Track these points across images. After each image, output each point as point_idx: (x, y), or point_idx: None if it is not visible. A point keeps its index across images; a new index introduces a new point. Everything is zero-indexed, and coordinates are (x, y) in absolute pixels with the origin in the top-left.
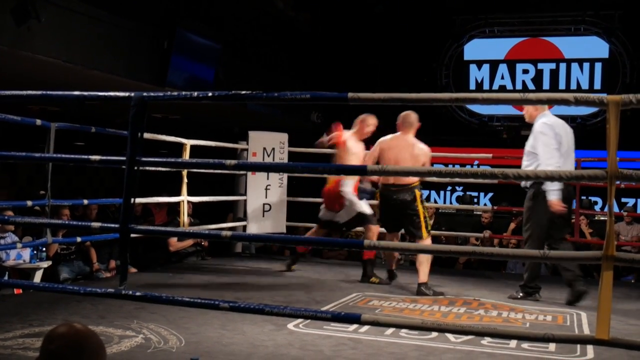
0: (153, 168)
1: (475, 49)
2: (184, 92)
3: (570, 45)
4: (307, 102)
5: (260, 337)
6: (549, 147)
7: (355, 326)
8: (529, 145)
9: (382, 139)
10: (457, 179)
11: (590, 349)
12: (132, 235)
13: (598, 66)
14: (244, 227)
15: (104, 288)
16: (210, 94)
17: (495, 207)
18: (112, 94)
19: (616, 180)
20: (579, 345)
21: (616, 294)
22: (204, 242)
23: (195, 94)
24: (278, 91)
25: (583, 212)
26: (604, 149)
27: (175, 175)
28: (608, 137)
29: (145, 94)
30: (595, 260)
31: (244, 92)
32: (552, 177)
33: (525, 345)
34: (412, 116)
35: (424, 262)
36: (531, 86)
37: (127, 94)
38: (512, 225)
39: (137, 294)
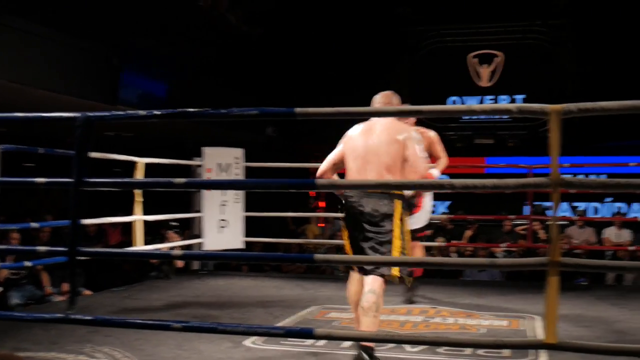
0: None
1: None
2: (130, 112)
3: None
4: (256, 119)
5: (217, 355)
6: None
7: (313, 340)
8: None
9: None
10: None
11: (543, 352)
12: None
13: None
14: (200, 244)
15: (52, 313)
16: (157, 113)
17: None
18: (56, 114)
19: (559, 187)
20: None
21: (569, 297)
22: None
23: (142, 113)
24: (232, 106)
25: (536, 217)
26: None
27: (131, 194)
28: (550, 145)
29: (91, 114)
30: (541, 266)
31: (191, 109)
32: (497, 187)
33: (480, 352)
34: (389, 96)
35: (372, 315)
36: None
37: (72, 114)
38: (468, 233)
39: (87, 317)
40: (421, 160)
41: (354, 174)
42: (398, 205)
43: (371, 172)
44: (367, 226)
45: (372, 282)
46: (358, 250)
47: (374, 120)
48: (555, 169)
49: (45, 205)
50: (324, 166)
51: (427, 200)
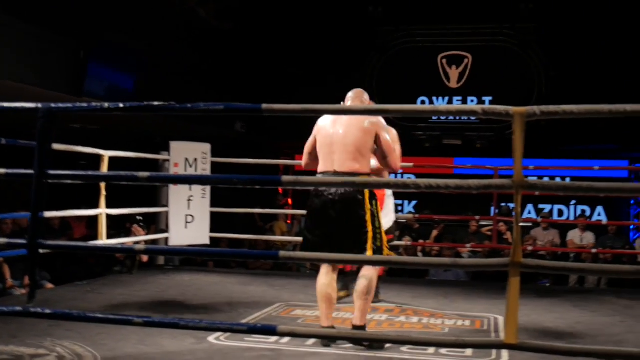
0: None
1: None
2: (94, 104)
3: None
4: (222, 114)
5: (180, 351)
6: None
7: (277, 337)
8: None
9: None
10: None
11: (505, 352)
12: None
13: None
14: (166, 239)
15: (12, 306)
16: (121, 106)
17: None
18: (18, 105)
19: (521, 189)
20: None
21: (532, 299)
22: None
23: (106, 105)
24: (201, 101)
25: (501, 218)
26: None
27: (97, 188)
28: (514, 147)
29: (53, 105)
30: (502, 267)
31: (155, 103)
32: (460, 187)
33: (443, 351)
34: (360, 93)
35: (364, 299)
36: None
37: (34, 105)
38: (435, 233)
39: (47, 311)
40: (392, 148)
41: (322, 163)
42: (366, 191)
43: (338, 161)
44: (336, 213)
45: (365, 268)
46: (327, 240)
47: None
48: (518, 171)
49: (9, 198)
50: (304, 159)
51: (389, 201)
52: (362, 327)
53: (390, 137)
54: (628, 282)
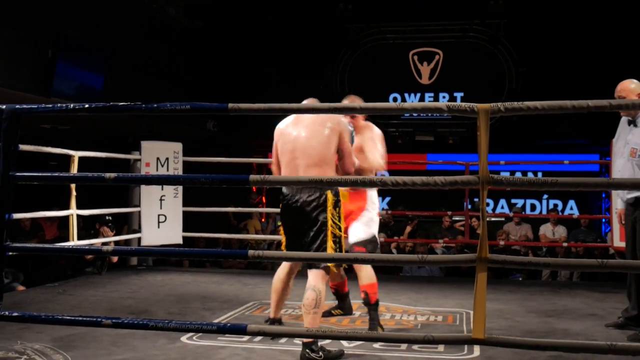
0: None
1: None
2: (59, 105)
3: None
4: (188, 114)
5: (152, 352)
6: None
7: (249, 335)
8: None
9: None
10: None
11: (477, 347)
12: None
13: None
14: (139, 239)
15: None
16: (86, 106)
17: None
18: None
19: (487, 185)
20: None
21: (504, 293)
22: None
23: (71, 106)
24: (171, 100)
25: (473, 214)
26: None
27: (68, 189)
28: (479, 143)
29: (18, 106)
30: (469, 262)
31: (122, 104)
32: (427, 184)
33: (415, 346)
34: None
35: (312, 312)
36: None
37: None
38: (408, 229)
39: (15, 314)
40: (351, 153)
41: (284, 168)
42: (329, 196)
43: (300, 167)
44: (301, 219)
45: (313, 279)
46: (296, 244)
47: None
48: (484, 167)
49: None
50: (274, 164)
51: (368, 214)
52: (311, 345)
53: (375, 136)
54: (600, 275)
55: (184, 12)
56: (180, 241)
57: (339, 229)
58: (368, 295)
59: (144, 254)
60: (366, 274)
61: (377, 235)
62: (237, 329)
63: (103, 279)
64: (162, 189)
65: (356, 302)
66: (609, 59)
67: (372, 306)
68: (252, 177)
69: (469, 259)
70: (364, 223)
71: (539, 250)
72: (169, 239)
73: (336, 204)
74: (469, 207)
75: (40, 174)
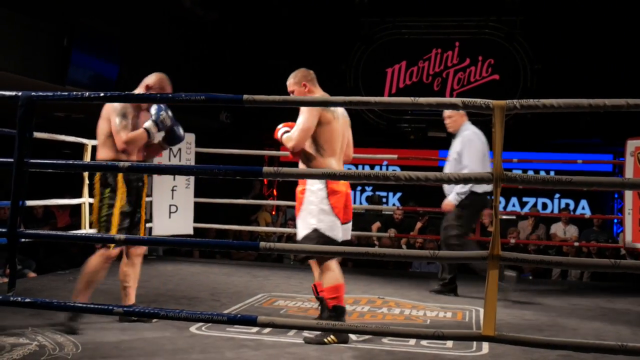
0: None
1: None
2: (74, 92)
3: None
4: (203, 104)
5: (161, 341)
6: (474, 156)
7: (258, 327)
8: (454, 152)
9: None
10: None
11: (485, 344)
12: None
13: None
14: (150, 229)
15: None
16: (102, 95)
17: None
18: None
19: (501, 182)
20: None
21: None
22: None
23: (87, 94)
24: (185, 91)
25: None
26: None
27: (81, 177)
28: (494, 140)
29: (33, 93)
30: (481, 259)
31: (136, 93)
32: (443, 180)
33: (424, 342)
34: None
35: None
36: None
37: (14, 93)
38: (419, 225)
39: (27, 300)
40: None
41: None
42: (97, 178)
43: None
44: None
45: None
46: None
47: None
48: (498, 164)
49: None
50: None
51: (310, 204)
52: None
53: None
54: (610, 275)
55: (200, 4)
56: (191, 232)
57: (106, 210)
58: (325, 301)
59: (154, 244)
60: (329, 272)
61: (317, 223)
62: (248, 320)
63: (114, 267)
64: (174, 180)
65: (365, 297)
66: (626, 58)
67: (329, 311)
68: (266, 168)
69: (481, 256)
70: (302, 218)
71: (549, 249)
72: (180, 229)
73: (105, 185)
74: None
75: (54, 162)
